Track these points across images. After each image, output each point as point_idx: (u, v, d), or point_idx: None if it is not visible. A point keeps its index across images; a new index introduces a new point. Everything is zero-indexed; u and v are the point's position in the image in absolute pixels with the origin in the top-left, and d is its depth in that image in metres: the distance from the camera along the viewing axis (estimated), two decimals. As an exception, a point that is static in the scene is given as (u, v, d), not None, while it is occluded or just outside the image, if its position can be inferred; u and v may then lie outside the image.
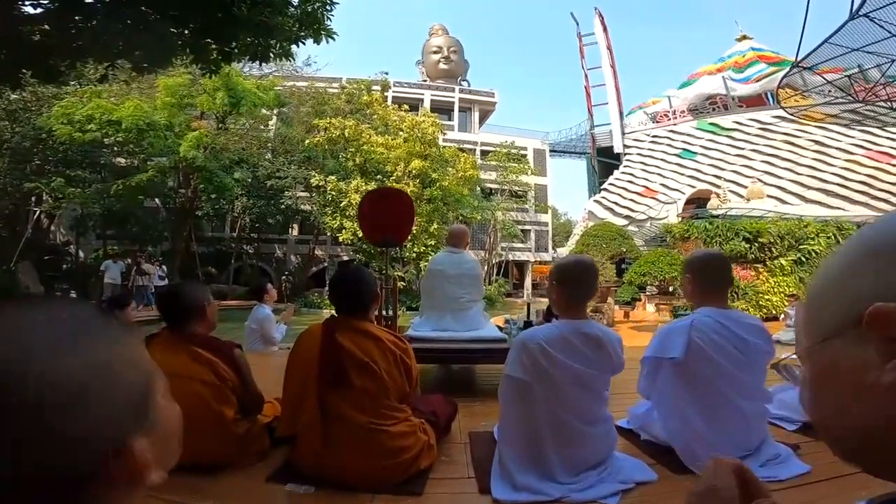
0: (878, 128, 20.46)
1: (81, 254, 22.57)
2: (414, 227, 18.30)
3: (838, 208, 20.11)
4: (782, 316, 10.48)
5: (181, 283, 2.46)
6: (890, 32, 9.61)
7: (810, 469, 1.90)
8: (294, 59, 6.42)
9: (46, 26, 5.54)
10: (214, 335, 2.00)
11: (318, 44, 5.91)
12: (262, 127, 22.85)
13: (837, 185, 21.95)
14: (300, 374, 1.80)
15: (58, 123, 15.17)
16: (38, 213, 20.83)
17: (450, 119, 32.34)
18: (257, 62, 6.08)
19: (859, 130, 22.63)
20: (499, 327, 3.75)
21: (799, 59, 11.87)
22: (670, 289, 11.80)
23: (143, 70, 6.00)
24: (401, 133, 20.77)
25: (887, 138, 22.16)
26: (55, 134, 15.37)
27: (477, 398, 2.99)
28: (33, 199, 19.56)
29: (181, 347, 1.82)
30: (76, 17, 5.35)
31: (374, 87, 24.77)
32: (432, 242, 19.07)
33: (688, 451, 1.84)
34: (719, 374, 1.82)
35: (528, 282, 32.11)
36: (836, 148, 23.26)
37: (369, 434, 1.71)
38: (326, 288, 21.73)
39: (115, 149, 18.64)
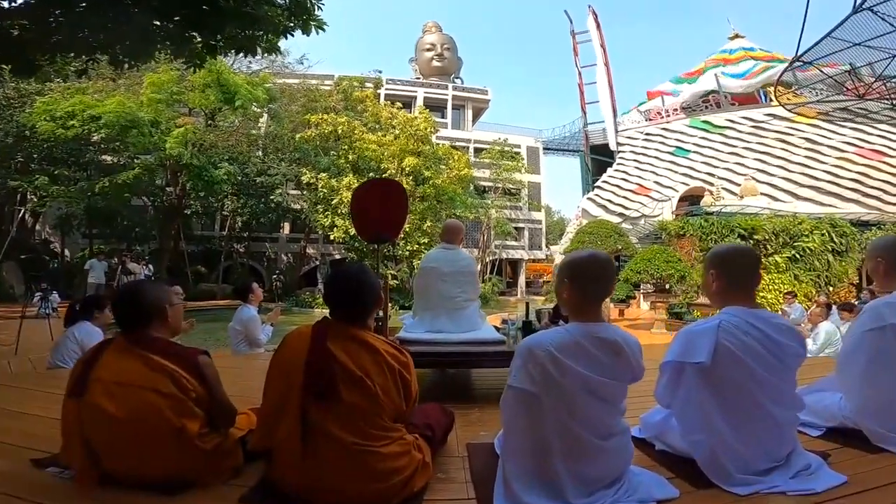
0: (872, 125, 20.54)
1: (67, 253, 22.15)
2: (407, 225, 18.15)
3: (830, 205, 20.17)
4: (779, 314, 10.40)
5: (139, 281, 2.24)
6: (893, 26, 9.52)
7: (846, 479, 1.72)
8: (279, 54, 6.17)
9: (25, 21, 5.29)
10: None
11: (308, 35, 5.68)
12: (251, 123, 22.51)
13: (829, 182, 22.01)
14: (282, 382, 1.58)
15: (40, 120, 14.80)
16: (22, 211, 20.38)
17: (443, 117, 32.14)
18: (246, 56, 5.89)
19: (851, 128, 22.75)
20: (496, 328, 3.56)
21: (799, 53, 11.79)
22: (667, 286, 11.68)
23: (122, 64, 5.75)
24: (393, 129, 20.57)
25: (878, 136, 22.29)
26: (38, 130, 15.01)
27: (474, 404, 2.79)
28: (18, 197, 19.12)
29: (136, 355, 1.60)
30: (54, 10, 5.11)
31: (367, 84, 24.52)
32: (425, 240, 18.91)
33: (713, 464, 1.65)
34: (750, 379, 1.63)
35: (521, 280, 32.02)
36: (828, 146, 23.35)
37: (356, 455, 1.49)
38: (319, 287, 21.47)
39: (102, 146, 18.27)
